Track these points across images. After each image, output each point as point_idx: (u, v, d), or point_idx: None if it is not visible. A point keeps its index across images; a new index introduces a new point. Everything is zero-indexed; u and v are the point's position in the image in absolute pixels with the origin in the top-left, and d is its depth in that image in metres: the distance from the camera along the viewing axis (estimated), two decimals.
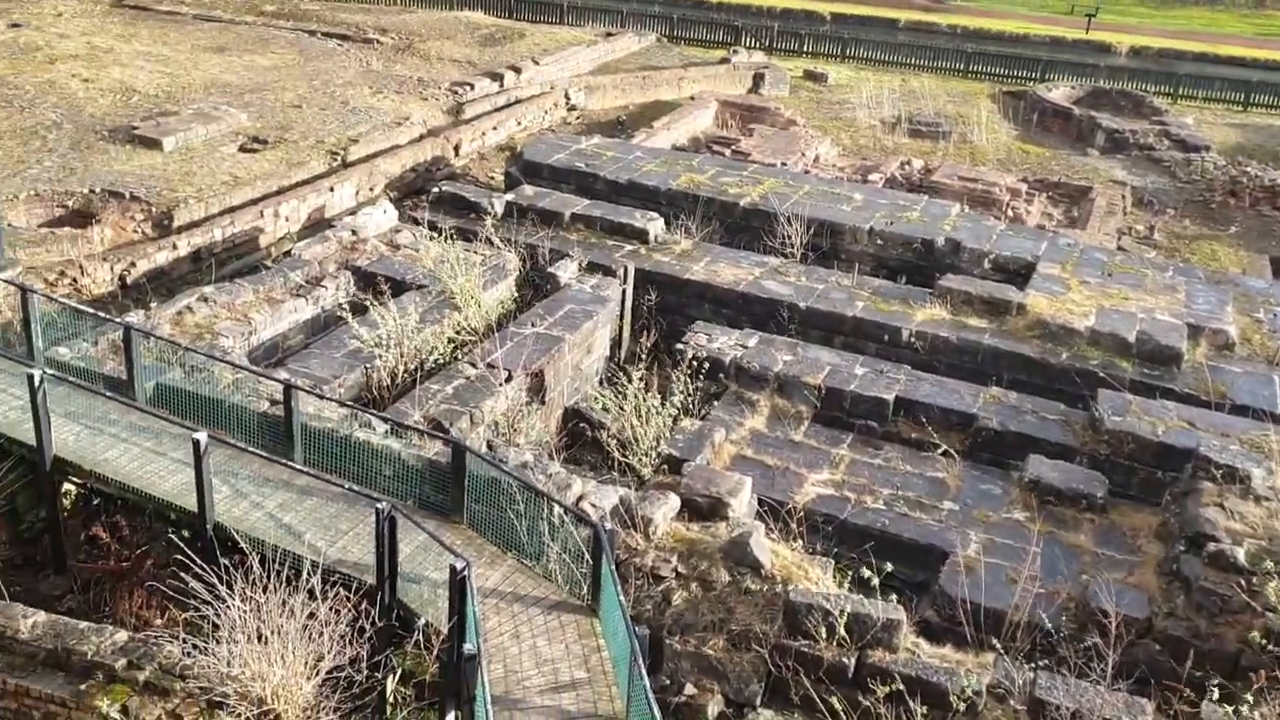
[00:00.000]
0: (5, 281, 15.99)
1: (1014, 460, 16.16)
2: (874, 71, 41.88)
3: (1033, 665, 11.72)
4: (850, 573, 13.28)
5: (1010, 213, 28.01)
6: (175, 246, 20.40)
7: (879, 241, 22.41)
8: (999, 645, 12.09)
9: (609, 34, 41.27)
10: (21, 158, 23.21)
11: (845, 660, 11.56)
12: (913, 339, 18.87)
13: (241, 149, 25.15)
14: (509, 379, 16.45)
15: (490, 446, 15.07)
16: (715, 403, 17.18)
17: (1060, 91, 38.93)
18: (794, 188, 24.40)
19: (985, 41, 46.62)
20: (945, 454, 16.15)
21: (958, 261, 21.68)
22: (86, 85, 28.48)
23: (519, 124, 31.41)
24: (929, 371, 18.08)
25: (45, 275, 18.45)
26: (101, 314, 15.03)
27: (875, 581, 11.74)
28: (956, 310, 19.56)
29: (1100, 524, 15.07)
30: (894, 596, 12.05)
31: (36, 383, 12.43)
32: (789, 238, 21.98)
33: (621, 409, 16.30)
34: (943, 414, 16.84)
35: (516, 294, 19.90)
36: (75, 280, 18.79)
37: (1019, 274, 21.21)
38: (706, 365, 17.26)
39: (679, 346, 18.10)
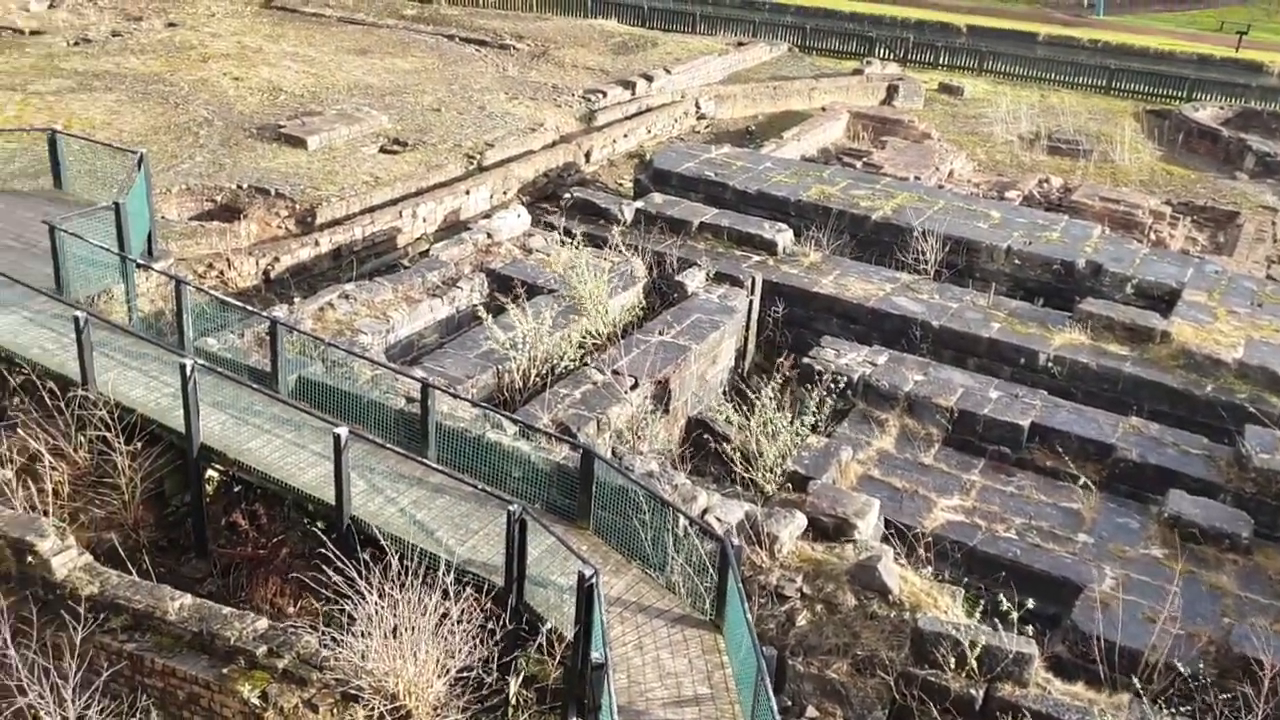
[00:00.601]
0: (159, 272, 16.65)
1: (1153, 494, 15.59)
2: (1012, 86, 40.91)
3: (1171, 710, 11.26)
4: (980, 602, 12.96)
5: (1153, 236, 27.05)
6: (317, 243, 21.01)
7: (1016, 261, 21.86)
8: (1137, 685, 11.64)
9: (740, 44, 41.16)
10: (175, 153, 24.20)
11: (973, 692, 11.27)
12: (1050, 364, 18.35)
13: (382, 150, 25.80)
14: (635, 386, 16.52)
15: (615, 453, 15.12)
16: (842, 420, 16.96)
17: (1208, 112, 37.48)
18: (928, 203, 23.97)
19: (1128, 58, 45.09)
20: (1081, 484, 15.64)
21: (1098, 285, 21.00)
22: (236, 84, 29.57)
23: (649, 132, 31.55)
24: (1066, 398, 17.57)
25: (195, 267, 19.18)
26: (248, 307, 15.55)
27: (1014, 616, 11.39)
28: (1097, 336, 18.96)
29: (1244, 565, 14.42)
30: (1029, 628, 11.71)
31: (188, 372, 12.92)
32: (922, 254, 21.61)
33: (747, 422, 16.21)
34: (1080, 443, 16.33)
35: (644, 301, 19.97)
36: (222, 273, 19.49)
37: (1163, 300, 20.46)
38: (835, 381, 17.05)
39: (806, 361, 17.93)
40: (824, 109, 34.36)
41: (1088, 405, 17.36)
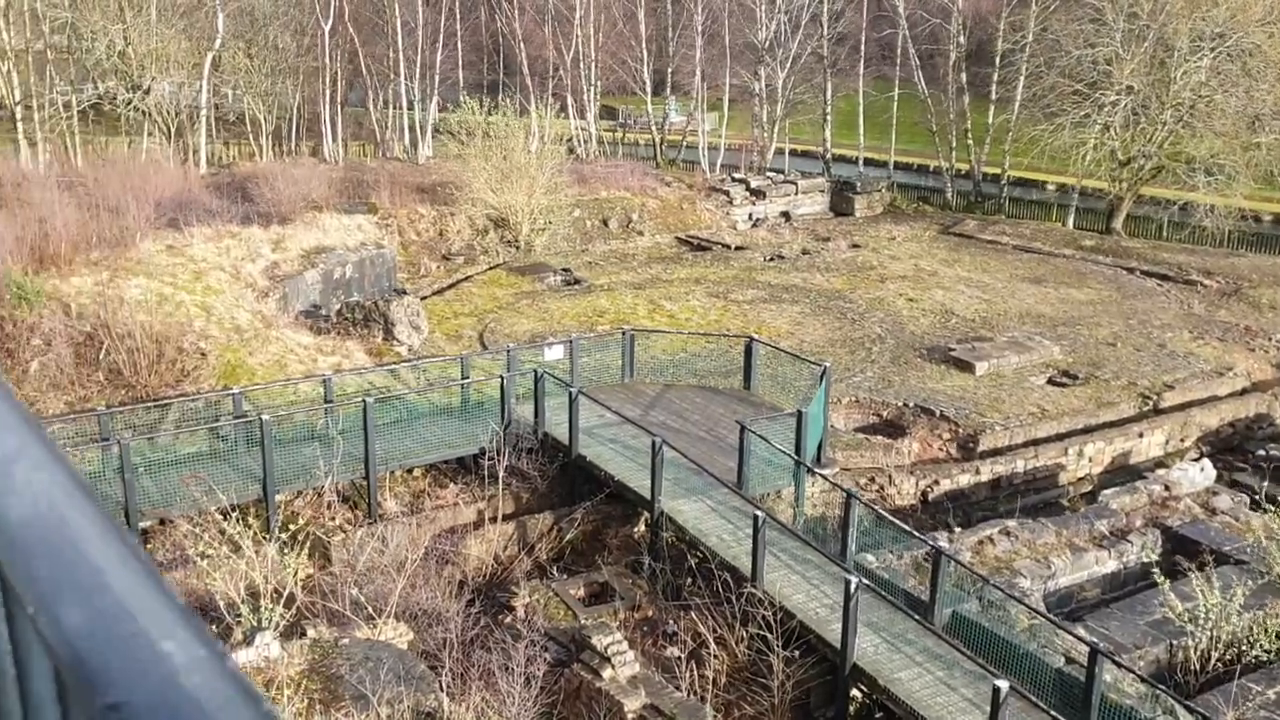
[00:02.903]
0: (831, 484, 17.26)
1: None
2: None
3: None
4: None
5: None
6: (978, 471, 20.64)
7: None
8: None
9: None
10: (849, 365, 25.49)
11: None
12: None
13: (1050, 381, 25.01)
14: None
15: None
16: None
17: None
18: None
19: None
20: None
21: None
22: (910, 305, 30.75)
23: None
24: None
25: (857, 479, 19.70)
26: (911, 530, 15.45)
27: None
28: None
29: None
30: None
31: (851, 589, 13.01)
32: None
33: None
34: None
35: None
36: (882, 489, 19.81)
37: None
38: None
39: None
40: None
41: None
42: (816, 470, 17.69)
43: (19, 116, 43.45)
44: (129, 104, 45.00)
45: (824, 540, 16.84)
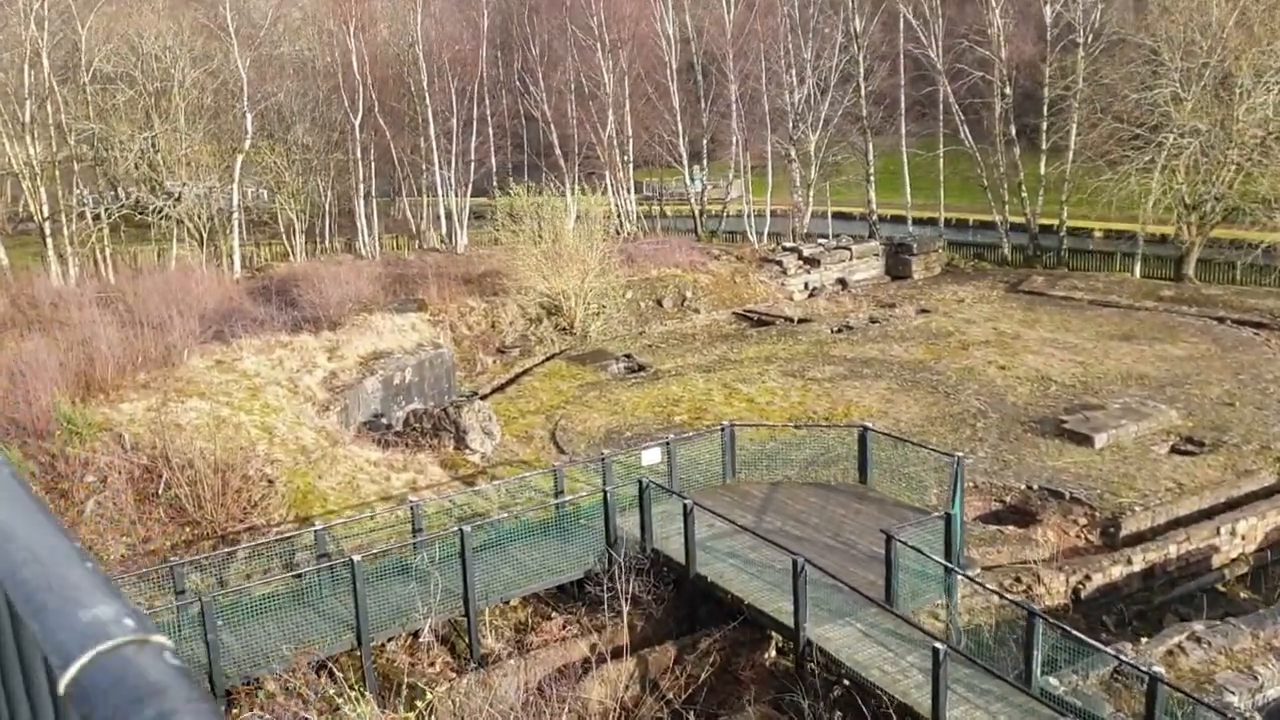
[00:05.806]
0: (996, 592, 15.34)
1: None
2: None
3: None
4: None
5: None
6: (1129, 561, 18.66)
7: None
8: None
9: None
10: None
11: None
12: None
13: (1174, 450, 23.08)
14: None
15: None
16: None
17: None
18: None
19: None
20: None
21: None
22: (1003, 373, 28.88)
23: None
24: None
25: (1001, 579, 17.76)
26: (1117, 654, 13.50)
27: None
28: None
29: None
30: None
31: None
32: None
33: None
34: None
35: None
36: (1029, 588, 17.85)
37: None
38: None
39: None
40: None
41: None
42: (973, 580, 15.82)
43: (48, 231, 42.43)
44: (159, 212, 43.99)
45: (986, 655, 14.90)
